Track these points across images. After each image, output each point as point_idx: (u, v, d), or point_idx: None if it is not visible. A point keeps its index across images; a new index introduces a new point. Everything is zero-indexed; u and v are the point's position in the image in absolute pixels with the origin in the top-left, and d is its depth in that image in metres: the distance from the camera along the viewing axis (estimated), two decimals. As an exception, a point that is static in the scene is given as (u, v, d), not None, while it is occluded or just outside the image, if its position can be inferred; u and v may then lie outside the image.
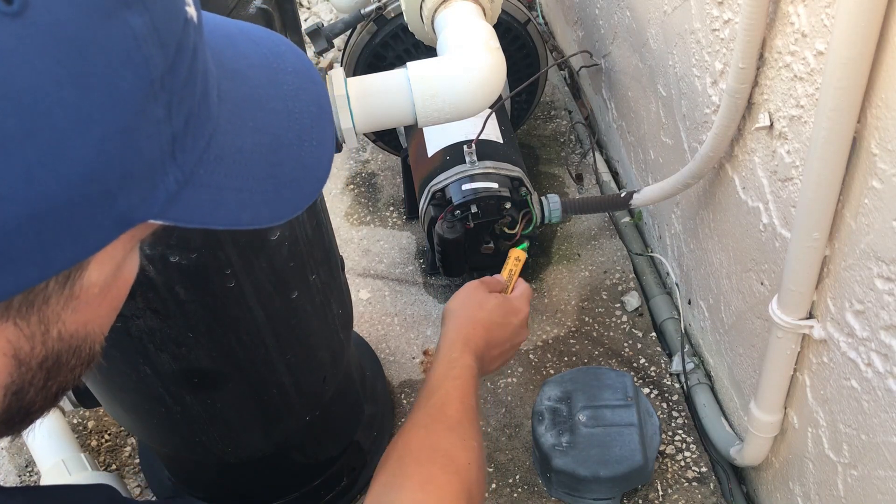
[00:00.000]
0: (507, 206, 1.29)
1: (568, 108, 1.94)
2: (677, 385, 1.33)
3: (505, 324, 0.87)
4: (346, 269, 1.26)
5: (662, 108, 1.29)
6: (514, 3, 1.51)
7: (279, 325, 0.89)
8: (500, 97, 1.42)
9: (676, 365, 1.34)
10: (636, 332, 1.42)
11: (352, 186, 1.79)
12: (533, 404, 1.20)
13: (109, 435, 1.34)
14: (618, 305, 1.47)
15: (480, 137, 1.33)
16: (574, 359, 1.39)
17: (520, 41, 1.55)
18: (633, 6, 1.35)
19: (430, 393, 0.76)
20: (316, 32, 1.48)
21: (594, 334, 1.43)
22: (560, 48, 2.09)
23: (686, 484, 1.20)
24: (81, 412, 1.37)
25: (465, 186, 1.29)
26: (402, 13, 1.21)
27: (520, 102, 1.68)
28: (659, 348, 1.39)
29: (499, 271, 0.98)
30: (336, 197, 1.76)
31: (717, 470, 1.22)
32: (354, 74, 1.21)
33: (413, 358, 1.42)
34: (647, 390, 1.32)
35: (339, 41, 1.62)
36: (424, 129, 1.42)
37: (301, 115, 0.40)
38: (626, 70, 1.48)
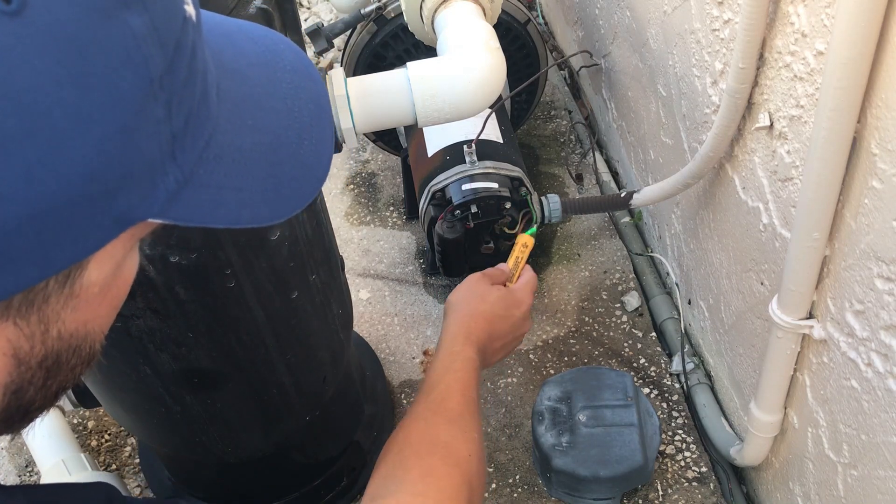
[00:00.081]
0: (507, 206, 1.29)
1: (568, 108, 1.94)
2: (677, 385, 1.33)
3: (507, 316, 0.87)
4: (346, 269, 1.26)
5: (662, 108, 1.29)
6: (514, 3, 1.51)
7: (279, 325, 0.89)
8: (500, 97, 1.42)
9: (676, 365, 1.34)
10: (636, 332, 1.42)
11: (352, 186, 1.79)
12: (533, 404, 1.20)
13: (109, 435, 1.34)
14: (618, 305, 1.47)
15: (480, 137, 1.33)
16: (574, 359, 1.39)
17: (520, 41, 1.55)
18: (633, 6, 1.35)
19: (431, 386, 0.76)
20: (316, 32, 1.48)
21: (594, 334, 1.43)
22: (560, 48, 2.09)
23: (686, 484, 1.20)
24: (81, 412, 1.37)
25: (465, 186, 1.29)
26: (402, 13, 1.21)
27: (520, 102, 1.68)
28: (659, 348, 1.39)
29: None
30: (336, 197, 1.76)
31: (717, 470, 1.22)
32: (354, 74, 1.21)
33: (413, 358, 1.42)
34: (647, 390, 1.32)
35: (339, 41, 1.62)
36: (424, 129, 1.42)
37: (300, 114, 0.40)
38: (626, 70, 1.48)
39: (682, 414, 1.28)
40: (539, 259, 1.56)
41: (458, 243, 1.29)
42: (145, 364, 0.84)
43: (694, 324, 1.36)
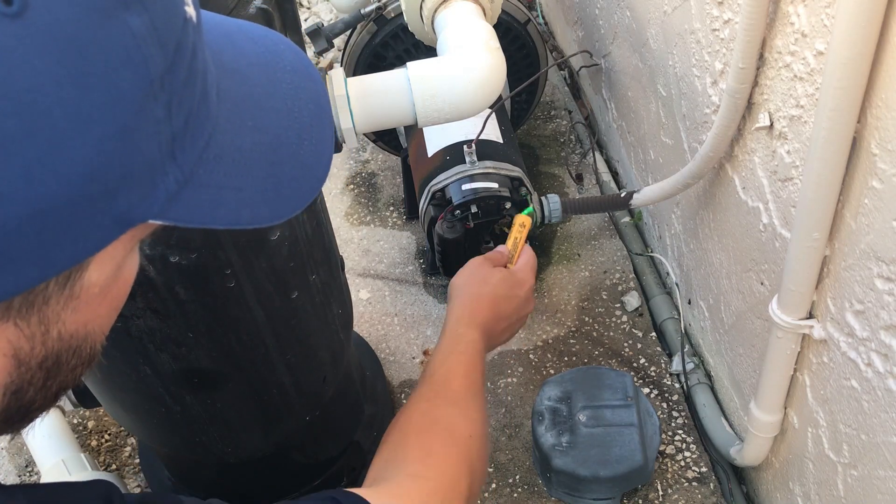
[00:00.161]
0: (507, 206, 1.29)
1: (568, 108, 1.94)
2: (677, 385, 1.33)
3: (511, 296, 0.88)
4: (346, 269, 1.26)
5: (662, 108, 1.29)
6: (514, 3, 1.51)
7: (279, 325, 0.89)
8: (500, 97, 1.42)
9: (676, 365, 1.34)
10: (636, 332, 1.42)
11: (352, 186, 1.79)
12: (533, 404, 1.20)
13: (109, 435, 1.34)
14: (618, 305, 1.47)
15: (480, 137, 1.33)
16: (574, 359, 1.39)
17: (520, 41, 1.55)
18: (633, 6, 1.35)
19: (434, 369, 0.76)
20: (316, 32, 1.48)
21: (594, 334, 1.43)
22: (560, 48, 2.09)
23: (686, 484, 1.20)
24: (81, 412, 1.37)
25: (465, 186, 1.29)
26: (402, 13, 1.21)
27: (520, 102, 1.68)
28: (659, 348, 1.39)
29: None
30: (336, 197, 1.76)
31: (717, 470, 1.22)
32: (354, 74, 1.21)
33: (413, 358, 1.42)
34: (647, 390, 1.32)
35: (339, 41, 1.62)
36: (424, 129, 1.42)
37: (300, 114, 0.40)
38: (626, 70, 1.48)
39: (682, 414, 1.28)
40: (539, 259, 1.56)
41: (458, 243, 1.29)
42: (145, 364, 0.84)
43: (694, 324, 1.36)
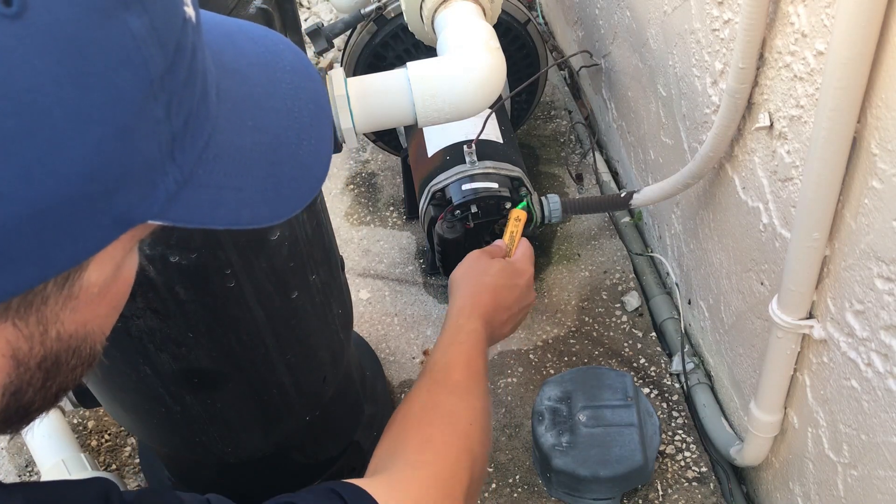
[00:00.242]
0: (507, 206, 1.29)
1: (568, 108, 1.94)
2: (677, 385, 1.33)
3: (511, 286, 0.88)
4: (346, 269, 1.26)
5: (662, 108, 1.29)
6: (514, 3, 1.51)
7: (279, 325, 0.89)
8: (500, 97, 1.42)
9: (676, 365, 1.34)
10: (636, 332, 1.42)
11: (352, 186, 1.79)
12: (533, 404, 1.20)
13: (109, 435, 1.34)
14: (618, 305, 1.47)
15: (480, 137, 1.33)
16: (574, 359, 1.39)
17: (520, 41, 1.55)
18: (633, 6, 1.35)
19: (435, 360, 0.76)
20: (316, 32, 1.48)
21: (594, 334, 1.43)
22: (560, 48, 2.09)
23: (686, 484, 1.20)
24: (81, 412, 1.37)
25: (465, 186, 1.29)
26: (402, 13, 1.21)
27: (520, 102, 1.68)
28: (659, 348, 1.39)
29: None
30: (336, 197, 1.76)
31: (717, 470, 1.22)
32: (354, 74, 1.21)
33: (413, 358, 1.42)
34: (647, 390, 1.32)
35: (339, 41, 1.62)
36: (424, 129, 1.42)
37: (300, 114, 0.40)
38: (626, 70, 1.48)
39: (682, 414, 1.28)
40: (539, 259, 1.56)
41: (458, 243, 1.29)
42: (145, 364, 0.84)
43: (694, 324, 1.36)
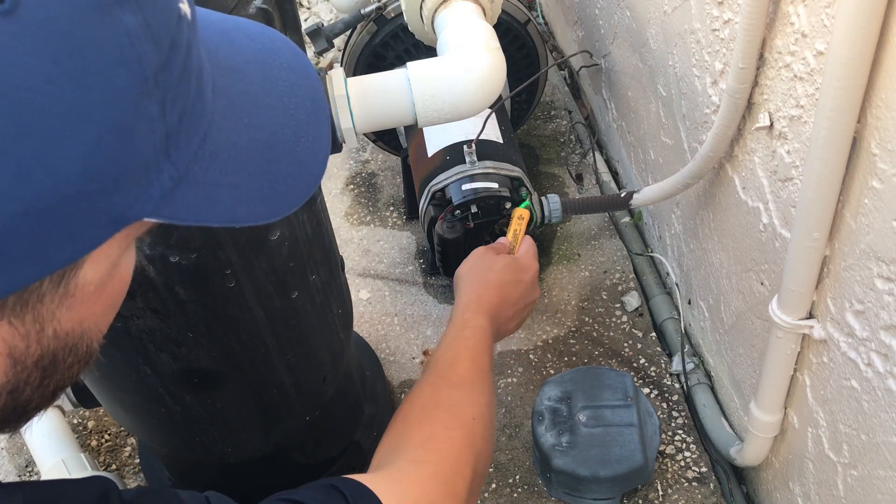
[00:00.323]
0: (507, 206, 1.29)
1: (568, 108, 1.94)
2: (677, 385, 1.33)
3: (516, 281, 0.88)
4: (346, 269, 1.26)
5: (662, 108, 1.29)
6: (514, 3, 1.51)
7: (279, 325, 0.89)
8: (500, 97, 1.42)
9: (676, 365, 1.34)
10: (636, 332, 1.42)
11: (352, 186, 1.79)
12: (533, 404, 1.20)
13: (109, 435, 1.34)
14: (618, 305, 1.47)
15: (480, 137, 1.33)
16: (574, 359, 1.39)
17: (520, 41, 1.55)
18: (633, 6, 1.35)
19: (440, 355, 0.76)
20: (316, 32, 1.48)
21: (594, 334, 1.43)
22: (560, 48, 2.09)
23: (686, 484, 1.20)
24: (81, 412, 1.37)
25: (465, 186, 1.29)
26: (402, 13, 1.21)
27: (520, 102, 1.68)
28: (659, 348, 1.39)
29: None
30: (336, 197, 1.76)
31: (717, 470, 1.22)
32: (354, 74, 1.20)
33: (413, 358, 1.42)
34: (647, 390, 1.32)
35: (339, 41, 1.62)
36: (424, 129, 1.42)
37: (296, 111, 0.40)
38: (626, 70, 1.48)
39: (682, 414, 1.28)
40: (539, 259, 1.55)
41: (458, 243, 1.29)
42: (145, 364, 0.84)
43: (694, 324, 1.36)
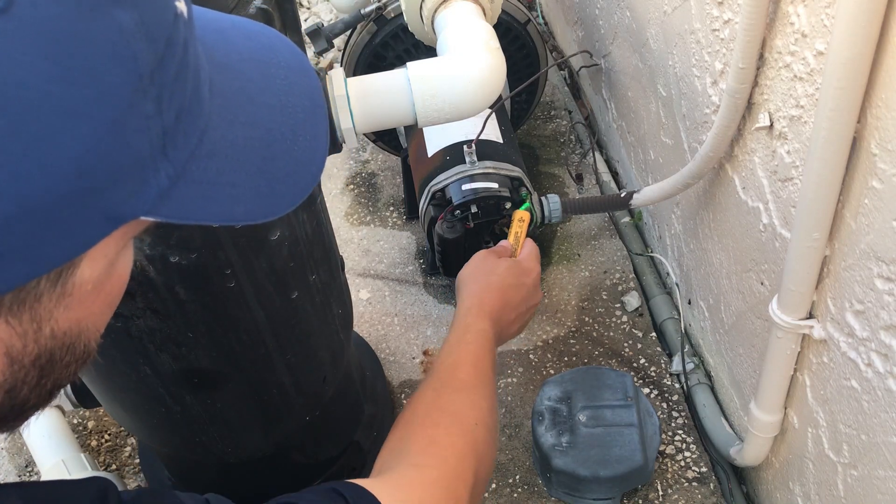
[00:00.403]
0: (507, 206, 1.29)
1: (568, 108, 1.94)
2: (677, 385, 1.33)
3: (519, 285, 0.88)
4: (346, 269, 1.26)
5: (662, 108, 1.29)
6: (514, 3, 1.51)
7: (279, 325, 0.89)
8: (500, 97, 1.42)
9: (676, 365, 1.34)
10: (636, 332, 1.42)
11: (352, 186, 1.79)
12: (533, 404, 1.20)
13: (109, 435, 1.34)
14: (618, 305, 1.47)
15: (480, 137, 1.33)
16: (574, 359, 1.39)
17: (520, 41, 1.55)
18: (633, 6, 1.35)
19: (442, 359, 0.76)
20: (316, 32, 1.48)
21: (594, 334, 1.42)
22: (560, 48, 2.09)
23: (686, 484, 1.20)
24: (81, 412, 1.37)
25: (465, 186, 1.29)
26: (402, 13, 1.21)
27: (520, 102, 1.68)
28: (659, 348, 1.39)
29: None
30: (336, 197, 1.76)
31: (717, 470, 1.22)
32: (354, 74, 1.20)
33: (413, 358, 1.42)
34: (647, 390, 1.32)
35: (339, 41, 1.62)
36: (424, 129, 1.42)
37: (294, 110, 0.40)
38: (626, 70, 1.48)
39: (682, 414, 1.28)
40: (540, 260, 1.56)
41: (458, 243, 1.29)
42: (145, 364, 0.84)
43: (694, 324, 1.36)
